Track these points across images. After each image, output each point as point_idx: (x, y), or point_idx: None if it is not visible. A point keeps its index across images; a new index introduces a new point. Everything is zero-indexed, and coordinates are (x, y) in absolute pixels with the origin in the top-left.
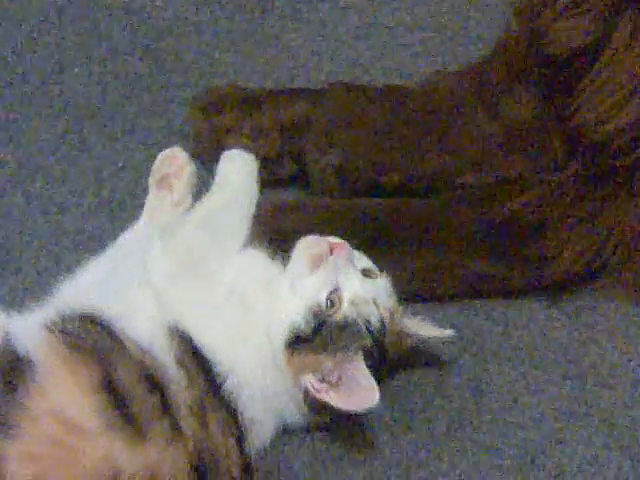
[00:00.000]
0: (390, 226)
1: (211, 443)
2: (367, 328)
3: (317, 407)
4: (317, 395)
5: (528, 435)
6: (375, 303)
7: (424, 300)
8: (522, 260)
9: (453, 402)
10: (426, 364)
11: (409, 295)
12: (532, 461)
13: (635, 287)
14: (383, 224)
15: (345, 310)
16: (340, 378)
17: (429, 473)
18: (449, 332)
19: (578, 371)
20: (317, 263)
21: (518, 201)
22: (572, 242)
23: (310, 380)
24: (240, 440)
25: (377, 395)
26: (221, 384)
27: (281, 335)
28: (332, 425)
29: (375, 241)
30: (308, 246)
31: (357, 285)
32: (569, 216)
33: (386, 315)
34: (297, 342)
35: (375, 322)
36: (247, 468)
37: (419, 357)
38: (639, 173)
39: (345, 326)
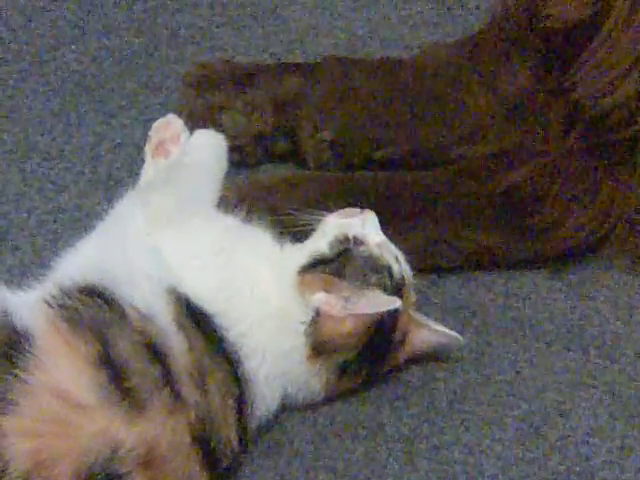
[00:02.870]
0: (389, 200)
1: (211, 410)
2: (389, 272)
3: (323, 337)
4: (330, 310)
5: (531, 407)
6: (398, 261)
7: (425, 273)
8: (523, 232)
9: (455, 375)
10: None
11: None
12: (535, 433)
13: (637, 258)
14: (382, 198)
15: (372, 248)
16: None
17: (431, 447)
18: (458, 336)
19: (581, 342)
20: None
21: (518, 173)
22: (574, 213)
23: (323, 296)
24: (239, 401)
25: (399, 301)
26: (221, 337)
27: (298, 262)
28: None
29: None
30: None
31: (384, 237)
32: (570, 187)
33: (407, 276)
34: (314, 265)
35: (396, 272)
36: (244, 433)
37: None
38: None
39: (369, 259)
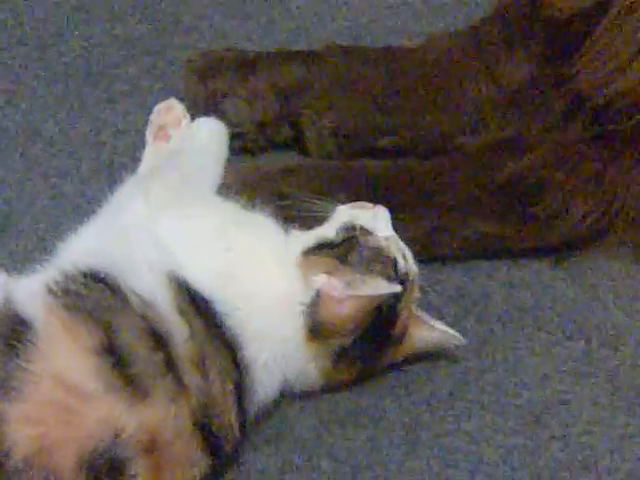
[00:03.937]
0: (391, 188)
1: (212, 396)
2: (394, 266)
3: (321, 319)
4: (330, 292)
5: (532, 396)
6: (405, 257)
7: (428, 261)
8: (526, 220)
9: (457, 363)
10: None
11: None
12: (537, 422)
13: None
14: (384, 186)
15: (379, 240)
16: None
17: (433, 435)
18: (459, 336)
19: (583, 331)
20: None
21: (521, 161)
22: (576, 202)
23: (325, 277)
24: (239, 387)
25: (399, 287)
26: (222, 322)
27: (303, 245)
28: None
29: (377, 203)
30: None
31: (393, 233)
32: (573, 176)
33: (413, 273)
34: (319, 248)
35: (402, 268)
36: (244, 419)
37: None
38: None
39: (375, 250)
